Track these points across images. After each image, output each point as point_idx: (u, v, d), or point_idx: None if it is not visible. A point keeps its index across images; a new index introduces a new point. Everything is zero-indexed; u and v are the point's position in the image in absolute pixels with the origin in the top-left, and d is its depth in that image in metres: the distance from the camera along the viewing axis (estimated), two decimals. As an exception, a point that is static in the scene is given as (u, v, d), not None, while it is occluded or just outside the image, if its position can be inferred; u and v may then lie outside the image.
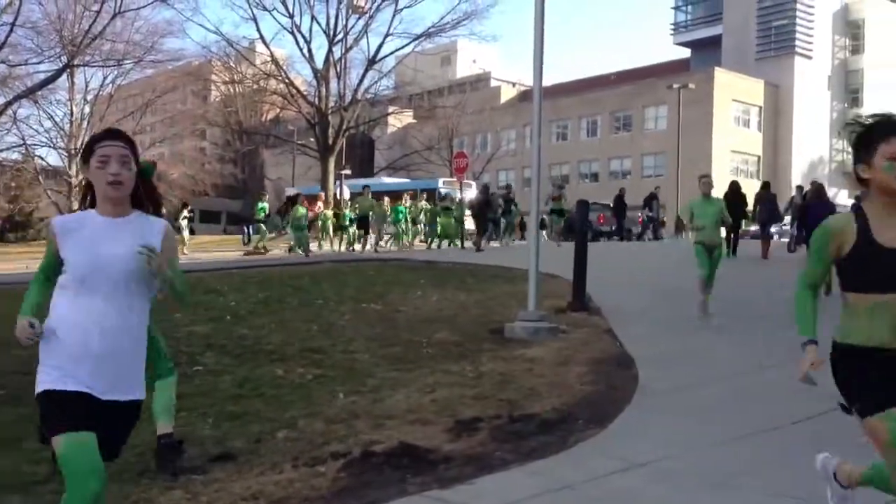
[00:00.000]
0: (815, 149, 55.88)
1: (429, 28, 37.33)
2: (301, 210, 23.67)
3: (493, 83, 74.73)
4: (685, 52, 64.77)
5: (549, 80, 64.09)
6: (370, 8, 36.06)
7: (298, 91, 37.59)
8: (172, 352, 8.32)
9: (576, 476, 4.50)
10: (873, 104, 56.30)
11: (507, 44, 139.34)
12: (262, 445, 5.34)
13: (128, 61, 42.49)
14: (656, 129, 55.41)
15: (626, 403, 6.22)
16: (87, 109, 45.96)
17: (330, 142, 35.57)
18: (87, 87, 45.89)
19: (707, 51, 59.53)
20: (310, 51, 36.75)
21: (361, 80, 37.14)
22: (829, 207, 13.62)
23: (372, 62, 37.09)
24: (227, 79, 47.70)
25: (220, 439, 5.54)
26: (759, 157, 55.24)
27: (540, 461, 4.84)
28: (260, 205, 26.33)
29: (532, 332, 9.17)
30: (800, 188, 20.49)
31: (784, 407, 6.07)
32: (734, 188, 18.15)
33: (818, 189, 14.65)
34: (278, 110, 47.63)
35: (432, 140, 52.52)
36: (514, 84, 72.15)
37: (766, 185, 20.63)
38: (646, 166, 54.41)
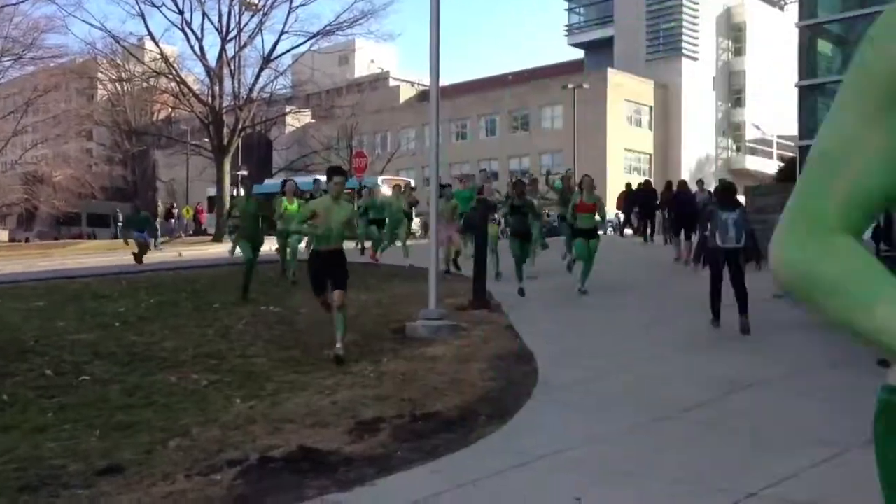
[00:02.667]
0: (702, 147, 58.11)
1: (325, 26, 36.70)
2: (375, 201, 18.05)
3: (392, 83, 74.59)
4: (579, 53, 66.27)
5: (447, 80, 64.40)
6: (264, 5, 35.27)
7: (190, 90, 36.36)
8: (56, 361, 7.96)
9: (478, 472, 4.49)
10: (754, 104, 59.07)
11: (405, 45, 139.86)
12: (153, 456, 5.10)
13: (6, 59, 40.31)
14: (553, 128, 56.49)
15: (527, 398, 6.27)
16: (-38, 109, 43.36)
17: (225, 142, 34.56)
18: (-39, 85, 43.31)
19: (600, 52, 61.04)
20: (202, 48, 35.60)
21: (257, 79, 36.22)
22: (690, 198, 16.84)
23: (267, 60, 36.23)
24: (114, 77, 45.80)
25: (108, 451, 5.27)
26: (650, 156, 57.04)
27: (442, 459, 4.81)
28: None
29: (433, 330, 9.17)
30: (700, 182, 21.10)
31: (679, 396, 6.24)
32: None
33: (682, 183, 17.91)
34: (170, 109, 46.08)
35: (331, 140, 51.97)
36: (412, 84, 72.17)
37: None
38: (543, 164, 55.31)
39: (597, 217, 12.43)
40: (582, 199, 12.41)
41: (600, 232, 13.53)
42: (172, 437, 5.46)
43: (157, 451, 5.22)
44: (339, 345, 8.02)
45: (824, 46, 12.77)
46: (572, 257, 13.19)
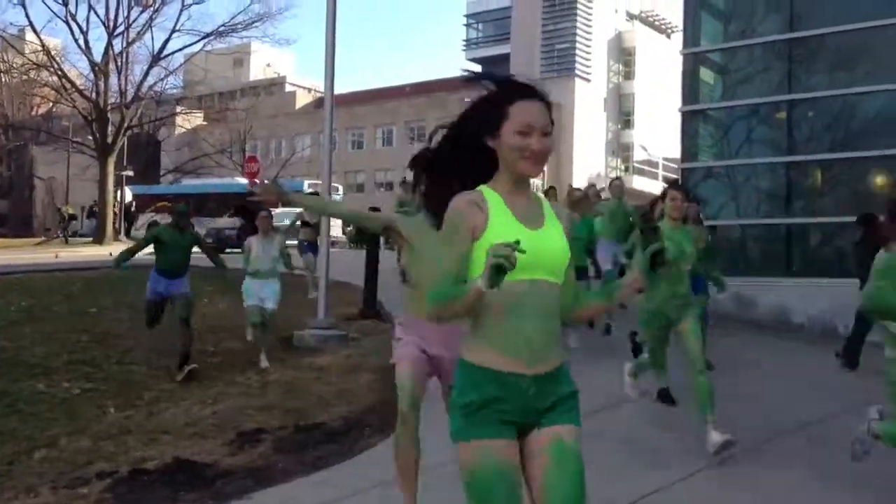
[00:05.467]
0: (593, 165, 59.86)
1: (219, 27, 35.83)
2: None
3: (289, 88, 73.66)
4: (477, 68, 67.21)
5: (345, 89, 64.10)
6: (154, 1, 34.13)
7: (73, 84, 34.70)
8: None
9: (360, 484, 4.43)
10: (642, 126, 61.36)
11: (302, 50, 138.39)
12: (16, 467, 4.83)
13: None
14: (449, 141, 57.08)
15: (413, 409, 6.24)
16: None
17: (109, 140, 33.20)
18: None
19: (497, 68, 61.99)
20: (87, 42, 34.06)
21: (145, 77, 34.95)
22: None
23: (157, 58, 35.01)
24: (-10, 67, 43.35)
25: (-34, 464, 4.95)
26: (543, 172, 58.35)
27: (324, 471, 4.73)
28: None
29: (321, 340, 9.06)
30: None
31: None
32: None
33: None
34: (51, 104, 43.99)
35: (224, 143, 50.74)
36: (309, 90, 71.45)
37: None
38: (438, 177, 55.76)
39: None
40: None
41: None
42: (38, 448, 5.19)
43: (20, 461, 4.94)
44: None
45: (706, 74, 13.36)
46: None
